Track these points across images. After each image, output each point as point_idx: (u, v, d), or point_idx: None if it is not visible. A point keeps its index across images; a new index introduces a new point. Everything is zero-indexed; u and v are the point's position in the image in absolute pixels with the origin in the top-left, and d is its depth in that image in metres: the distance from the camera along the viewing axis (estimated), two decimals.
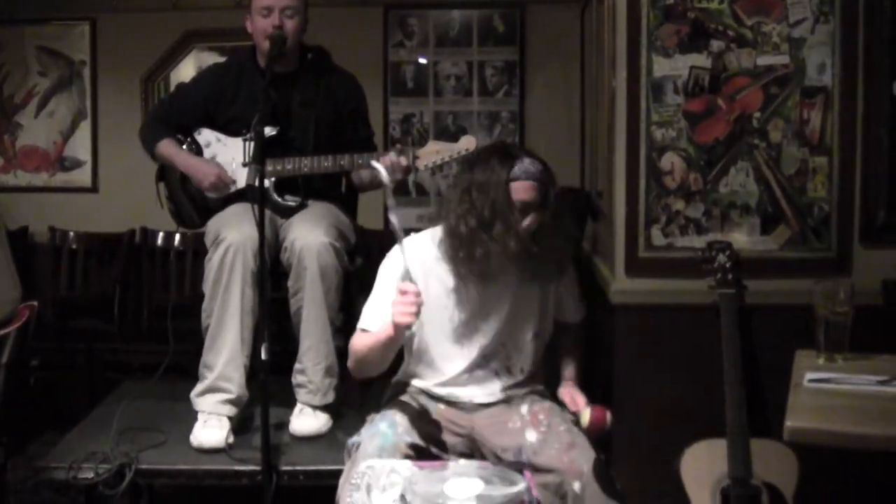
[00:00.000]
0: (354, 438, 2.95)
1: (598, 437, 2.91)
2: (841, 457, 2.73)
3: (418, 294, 2.71)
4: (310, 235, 3.51)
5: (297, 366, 3.60)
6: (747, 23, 3.35)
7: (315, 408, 3.57)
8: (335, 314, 3.58)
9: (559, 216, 3.01)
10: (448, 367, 3.02)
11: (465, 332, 3.00)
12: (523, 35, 5.60)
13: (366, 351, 2.97)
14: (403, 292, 2.72)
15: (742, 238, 3.40)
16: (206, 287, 3.52)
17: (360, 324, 3.04)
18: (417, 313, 2.71)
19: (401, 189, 5.62)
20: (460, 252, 2.93)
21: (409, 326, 2.73)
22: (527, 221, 2.90)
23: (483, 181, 2.92)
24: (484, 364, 3.01)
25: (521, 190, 2.89)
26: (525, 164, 2.91)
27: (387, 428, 2.90)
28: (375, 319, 2.98)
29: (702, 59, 3.37)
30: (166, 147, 3.80)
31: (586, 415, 2.93)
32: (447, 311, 3.01)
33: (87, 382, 5.17)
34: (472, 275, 2.94)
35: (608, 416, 2.92)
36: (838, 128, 3.36)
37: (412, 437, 2.92)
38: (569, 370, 3.26)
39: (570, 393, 3.12)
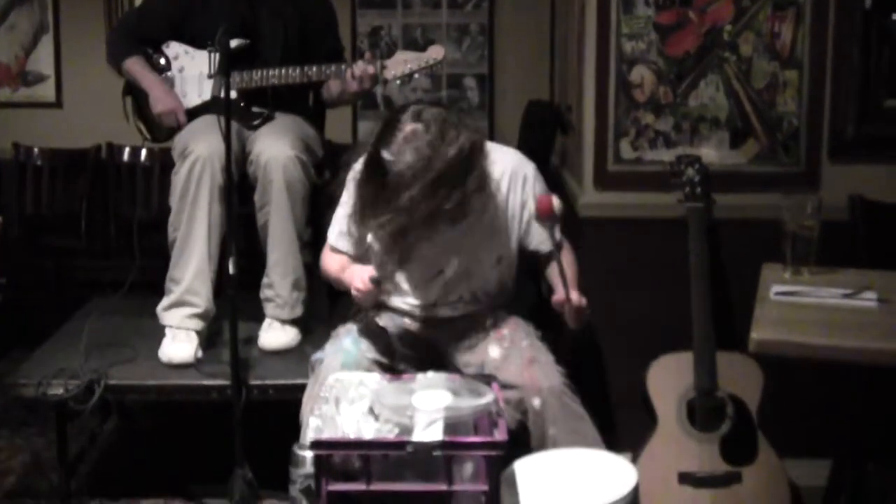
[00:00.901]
0: (318, 354, 2.96)
1: (552, 224, 2.73)
2: (804, 369, 2.79)
3: (380, 280, 2.75)
4: (275, 148, 3.48)
5: (264, 280, 3.59)
6: None
7: (283, 322, 3.57)
8: (302, 228, 3.56)
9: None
10: (412, 291, 3.01)
11: (426, 260, 2.97)
12: None
13: (332, 278, 3.03)
14: (369, 279, 2.76)
15: (711, 152, 3.41)
16: (173, 201, 3.49)
17: (329, 239, 3.04)
18: (376, 302, 2.81)
19: (369, 102, 5.57)
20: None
21: (367, 308, 2.80)
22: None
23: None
24: (448, 289, 2.99)
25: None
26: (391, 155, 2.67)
27: (350, 344, 2.92)
28: (340, 236, 3.01)
29: None
30: (132, 65, 3.75)
31: (531, 204, 2.78)
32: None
33: (55, 299, 5.15)
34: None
35: (554, 199, 2.69)
36: (809, 42, 3.35)
37: (374, 354, 2.93)
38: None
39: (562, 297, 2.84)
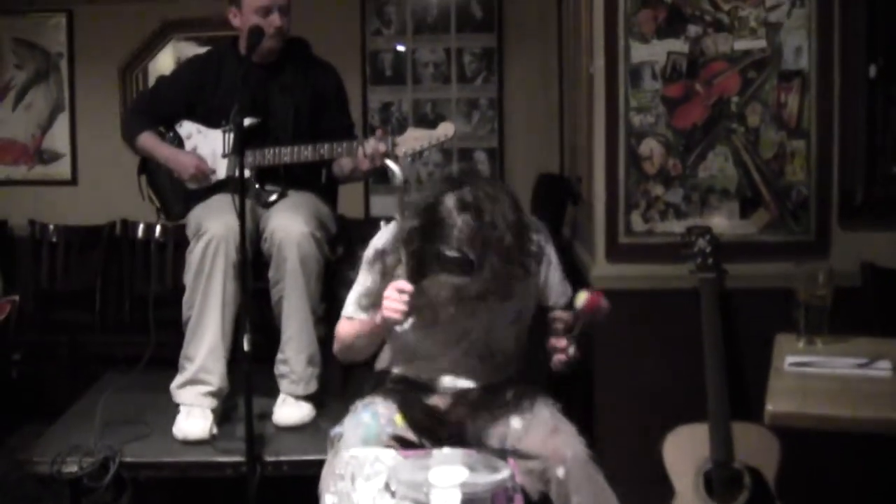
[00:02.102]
0: (337, 429, 2.93)
1: (592, 321, 2.75)
2: (822, 439, 2.76)
3: (412, 294, 2.70)
4: (290, 225, 3.51)
5: (279, 356, 3.59)
6: (724, 7, 3.37)
7: (298, 397, 3.57)
8: (316, 304, 3.58)
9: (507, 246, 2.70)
10: (430, 356, 3.01)
11: (445, 321, 2.98)
12: (501, 21, 5.57)
13: (352, 339, 2.98)
14: (400, 290, 2.72)
15: (721, 222, 3.42)
16: (188, 279, 3.51)
17: (345, 312, 3.03)
18: (408, 314, 2.70)
19: (381, 177, 5.59)
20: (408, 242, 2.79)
21: (397, 322, 2.72)
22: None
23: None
24: (466, 352, 3.00)
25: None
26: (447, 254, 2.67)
27: (370, 418, 2.90)
28: (360, 307, 2.97)
29: (679, 45, 3.39)
30: (147, 140, 3.80)
31: (582, 296, 2.75)
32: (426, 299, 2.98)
33: (69, 374, 5.14)
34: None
35: (603, 298, 2.72)
36: (815, 111, 3.39)
37: (394, 428, 2.91)
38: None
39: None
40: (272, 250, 3.52)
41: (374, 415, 2.91)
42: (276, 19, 3.57)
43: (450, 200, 2.67)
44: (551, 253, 3.05)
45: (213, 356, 3.47)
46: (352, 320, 2.98)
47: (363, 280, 2.99)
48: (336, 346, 3.05)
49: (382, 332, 2.89)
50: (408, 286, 2.70)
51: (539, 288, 3.03)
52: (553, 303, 3.06)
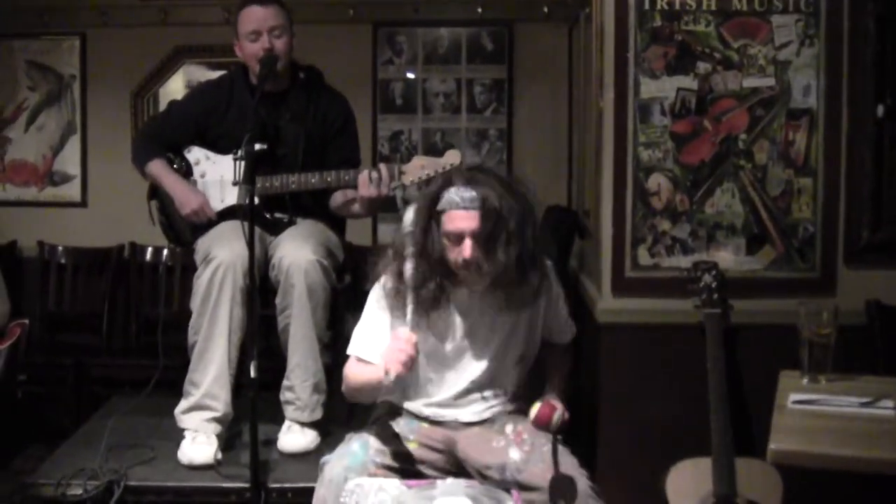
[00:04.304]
0: (327, 457, 2.95)
1: (545, 431, 2.85)
2: (825, 477, 2.75)
3: (412, 344, 2.74)
4: (297, 253, 3.52)
5: (284, 383, 3.60)
6: (734, 45, 3.38)
7: (303, 425, 3.57)
8: (323, 331, 3.59)
9: (520, 236, 2.86)
10: (434, 391, 3.03)
11: (451, 358, 3.00)
12: (511, 53, 5.60)
13: (359, 385, 3.00)
14: (397, 338, 2.75)
15: (728, 258, 3.43)
16: (195, 305, 3.52)
17: (353, 349, 3.03)
18: (409, 365, 2.73)
19: (388, 206, 5.60)
20: (417, 284, 2.90)
21: (402, 373, 2.74)
22: (465, 252, 2.80)
23: (418, 215, 2.90)
24: (470, 389, 3.02)
25: (450, 220, 2.82)
26: (452, 194, 2.81)
27: (358, 448, 2.90)
28: (368, 348, 2.99)
29: (688, 81, 3.41)
30: (155, 167, 3.81)
31: (535, 408, 2.86)
32: (433, 336, 3.01)
33: (74, 397, 5.14)
34: (435, 306, 2.91)
35: (556, 414, 2.82)
36: (823, 149, 3.40)
37: (384, 458, 2.91)
38: (553, 382, 3.13)
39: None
40: (279, 277, 3.54)
41: (364, 445, 2.92)
42: (265, 41, 3.60)
43: (458, 179, 2.83)
44: (557, 288, 3.07)
45: (218, 382, 3.48)
46: (360, 364, 2.99)
47: (370, 317, 3.02)
48: (344, 387, 3.07)
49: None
50: (406, 334, 2.74)
51: (543, 324, 3.05)
52: (555, 340, 3.09)
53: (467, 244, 2.79)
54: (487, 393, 3.03)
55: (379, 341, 2.93)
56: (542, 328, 3.08)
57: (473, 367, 3.00)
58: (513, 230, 2.82)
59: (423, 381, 3.03)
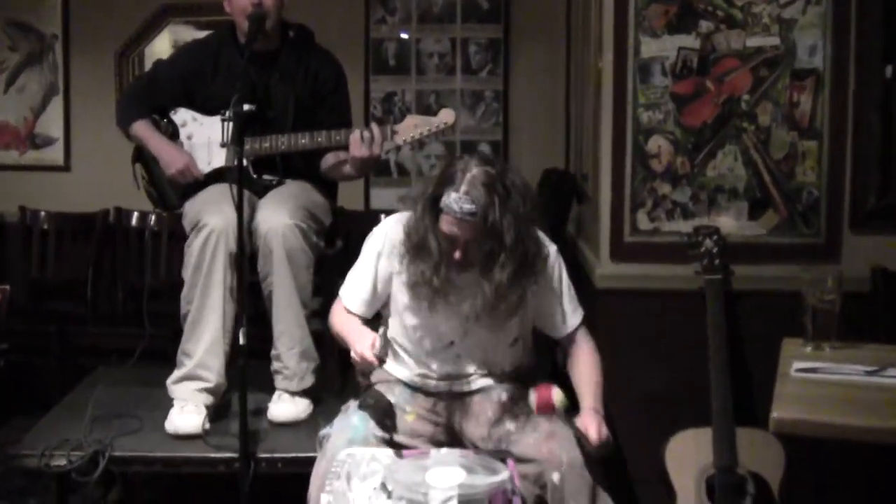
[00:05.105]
0: (325, 430, 2.93)
1: (550, 417, 2.81)
2: (828, 446, 2.71)
3: (371, 357, 2.74)
4: (273, 218, 3.44)
5: (272, 351, 3.54)
6: (737, 3, 3.35)
7: (293, 393, 3.51)
8: (308, 297, 3.51)
9: (517, 249, 2.77)
10: (427, 365, 2.99)
11: (447, 334, 2.95)
12: (508, 13, 5.53)
13: (338, 336, 3.00)
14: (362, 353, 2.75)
15: (729, 223, 3.40)
16: (187, 274, 3.45)
17: (341, 292, 3.05)
18: (380, 362, 2.76)
19: (383, 169, 5.56)
20: (408, 259, 2.87)
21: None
22: (456, 255, 2.76)
23: (419, 203, 2.84)
24: (461, 364, 2.98)
25: (446, 222, 2.75)
26: (452, 200, 2.71)
27: (358, 421, 2.87)
28: (355, 298, 3.00)
29: (690, 40, 3.36)
30: (140, 128, 3.73)
31: (532, 397, 2.81)
32: (424, 304, 2.93)
33: (58, 366, 5.10)
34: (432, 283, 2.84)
35: (554, 395, 2.77)
36: (828, 111, 3.36)
37: (383, 431, 2.88)
38: (588, 399, 2.89)
39: (586, 423, 2.76)
40: (258, 242, 3.46)
41: (363, 418, 2.89)
42: None
43: (471, 160, 2.77)
44: (563, 274, 2.98)
45: (212, 352, 3.41)
46: (343, 312, 3.02)
47: (362, 266, 3.01)
48: (330, 327, 3.08)
49: None
50: (376, 346, 2.73)
51: (544, 310, 2.97)
52: (563, 326, 2.99)
53: (459, 249, 2.76)
54: (481, 371, 3.00)
55: (365, 293, 2.98)
56: (537, 314, 3.00)
57: (469, 345, 2.96)
58: (510, 245, 2.74)
59: (413, 353, 3.00)
